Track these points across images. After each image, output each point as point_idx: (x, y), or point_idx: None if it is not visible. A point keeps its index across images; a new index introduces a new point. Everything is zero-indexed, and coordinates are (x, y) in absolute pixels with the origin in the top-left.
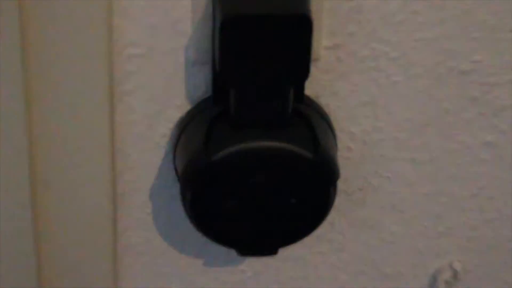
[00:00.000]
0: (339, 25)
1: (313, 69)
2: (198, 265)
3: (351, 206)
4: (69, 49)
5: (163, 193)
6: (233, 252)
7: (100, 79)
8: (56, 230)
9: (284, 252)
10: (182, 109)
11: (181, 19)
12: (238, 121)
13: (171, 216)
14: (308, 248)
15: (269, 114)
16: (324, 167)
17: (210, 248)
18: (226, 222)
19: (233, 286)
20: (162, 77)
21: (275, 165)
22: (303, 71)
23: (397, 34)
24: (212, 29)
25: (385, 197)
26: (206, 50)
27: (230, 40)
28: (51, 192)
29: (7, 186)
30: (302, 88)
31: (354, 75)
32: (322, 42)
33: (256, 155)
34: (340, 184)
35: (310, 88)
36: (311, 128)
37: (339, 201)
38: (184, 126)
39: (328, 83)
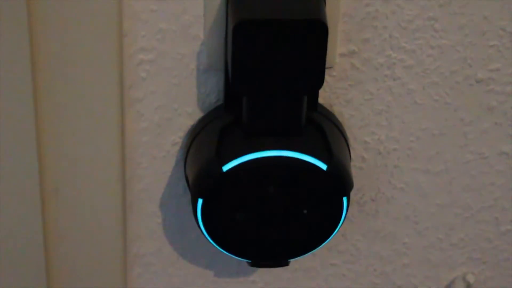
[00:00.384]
0: (355, 31)
1: (327, 77)
2: (209, 275)
3: (363, 217)
4: (79, 55)
5: (174, 202)
6: (244, 263)
7: (110, 86)
8: (66, 239)
9: (296, 263)
10: (193, 116)
11: (192, 24)
12: (250, 129)
13: (181, 225)
14: (320, 259)
15: (282, 122)
16: (337, 178)
17: (221, 259)
18: (237, 232)
19: None
20: (173, 84)
21: (288, 176)
22: (318, 79)
23: (413, 41)
24: (224, 34)
25: (399, 208)
26: (218, 56)
27: (243, 46)
28: (61, 200)
29: (17, 194)
30: (316, 96)
31: (369, 83)
32: (337, 48)
33: (269, 165)
34: (353, 195)
35: (324, 96)
36: (324, 137)
37: (352, 211)
38: (196, 134)
39: (342, 91)
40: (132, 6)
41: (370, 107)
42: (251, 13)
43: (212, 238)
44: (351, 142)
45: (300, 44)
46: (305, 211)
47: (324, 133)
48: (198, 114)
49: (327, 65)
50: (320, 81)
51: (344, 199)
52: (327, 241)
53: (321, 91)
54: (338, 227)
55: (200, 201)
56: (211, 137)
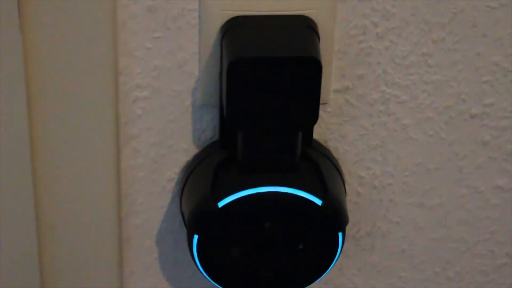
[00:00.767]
0: (349, 67)
1: (322, 113)
2: None
3: (359, 251)
4: (75, 93)
5: (170, 238)
6: None
7: (106, 123)
8: (63, 276)
9: None
10: (188, 153)
11: (187, 61)
12: (245, 165)
13: (177, 261)
14: None
15: (277, 158)
16: (332, 213)
17: None
18: (233, 267)
19: None
20: (169, 120)
21: (283, 211)
22: (312, 115)
23: (407, 77)
24: (219, 71)
25: (394, 242)
26: (213, 92)
27: (237, 83)
28: (57, 237)
29: (14, 232)
30: (310, 132)
31: (363, 119)
32: (332, 85)
33: (264, 201)
34: (349, 229)
35: (319, 132)
36: (319, 173)
37: (348, 246)
38: (191, 170)
39: (337, 126)
40: (127, 44)
41: (365, 142)
42: (245, 50)
43: (208, 274)
44: (346, 177)
45: (295, 81)
46: (300, 246)
47: (319, 169)
48: (193, 150)
49: (321, 101)
50: (314, 118)
51: (340, 234)
52: (322, 276)
53: (316, 127)
54: (334, 262)
55: (195, 237)
56: (207, 173)
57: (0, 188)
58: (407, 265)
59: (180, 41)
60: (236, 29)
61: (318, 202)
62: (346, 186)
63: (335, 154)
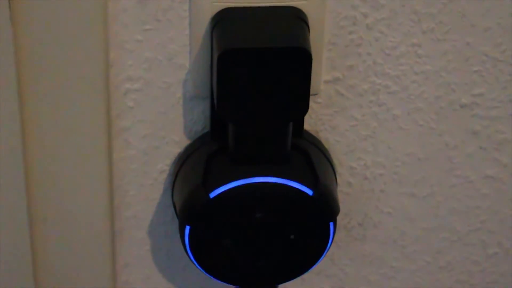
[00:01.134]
0: (339, 58)
1: (313, 104)
2: None
3: (351, 241)
4: (66, 85)
5: (162, 229)
6: None
7: (98, 115)
8: (55, 268)
9: None
10: (180, 144)
11: (178, 53)
12: (236, 156)
13: (170, 252)
14: (309, 284)
15: (268, 149)
16: (323, 204)
17: (210, 285)
18: (225, 258)
19: None
20: (160, 112)
21: (274, 202)
22: (302, 106)
23: (397, 68)
24: (210, 63)
25: (386, 232)
26: (204, 84)
27: (228, 74)
28: (49, 229)
29: (5, 224)
30: (301, 122)
31: (354, 110)
32: (322, 76)
33: (255, 192)
34: (340, 220)
35: (310, 123)
36: (310, 163)
37: (339, 236)
38: (183, 162)
39: (328, 117)
40: (118, 36)
41: (355, 133)
42: (235, 42)
43: (200, 264)
44: (337, 167)
45: (285, 72)
46: (292, 236)
47: (310, 159)
48: (185, 142)
49: (312, 92)
50: (305, 108)
51: (331, 224)
52: (314, 266)
53: (306, 118)
54: (325, 252)
55: (187, 228)
56: (198, 165)
57: None
58: (399, 255)
59: (171, 33)
60: (226, 21)
61: (309, 192)
62: (337, 177)
63: (326, 145)
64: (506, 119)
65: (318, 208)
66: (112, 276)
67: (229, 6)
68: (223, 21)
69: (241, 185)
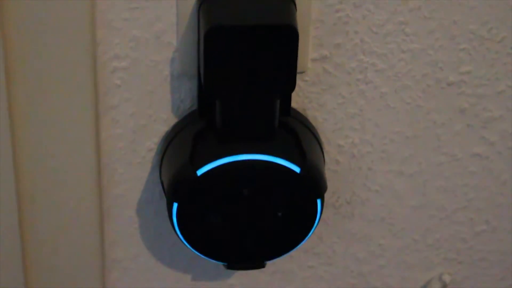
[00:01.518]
0: (326, 36)
1: (300, 82)
2: (187, 280)
3: (339, 219)
4: (53, 64)
5: (150, 207)
6: (221, 266)
7: (85, 94)
8: (43, 245)
9: (273, 266)
10: (168, 122)
11: (165, 31)
12: (224, 134)
13: (158, 230)
14: (297, 261)
15: (255, 127)
16: (311, 181)
17: (198, 263)
18: (213, 235)
19: None
20: (147, 91)
21: (262, 179)
22: (289, 83)
23: (384, 46)
24: (197, 41)
25: (374, 210)
26: (191, 62)
27: (214, 52)
28: (37, 208)
29: None
30: (288, 100)
31: (342, 87)
32: (309, 54)
33: (242, 169)
34: (328, 198)
35: (297, 101)
36: (297, 140)
37: (327, 214)
38: (170, 140)
39: (315, 95)
40: (105, 14)
41: (343, 111)
42: (222, 19)
43: (188, 242)
44: (325, 145)
45: (271, 49)
46: (279, 214)
47: (297, 137)
48: (172, 120)
49: (299, 70)
50: (291, 85)
51: (318, 201)
52: (302, 243)
53: (294, 96)
54: (313, 229)
55: (175, 205)
56: (185, 143)
57: None
58: (387, 233)
59: (158, 11)
60: None
61: (297, 169)
62: (325, 155)
63: (313, 123)
64: (493, 97)
65: (305, 185)
66: (101, 254)
67: None
68: None
69: (228, 162)
